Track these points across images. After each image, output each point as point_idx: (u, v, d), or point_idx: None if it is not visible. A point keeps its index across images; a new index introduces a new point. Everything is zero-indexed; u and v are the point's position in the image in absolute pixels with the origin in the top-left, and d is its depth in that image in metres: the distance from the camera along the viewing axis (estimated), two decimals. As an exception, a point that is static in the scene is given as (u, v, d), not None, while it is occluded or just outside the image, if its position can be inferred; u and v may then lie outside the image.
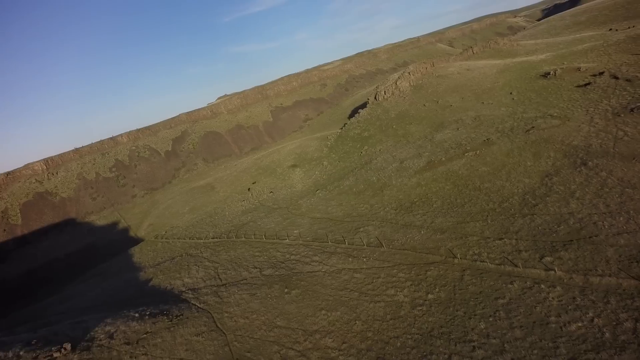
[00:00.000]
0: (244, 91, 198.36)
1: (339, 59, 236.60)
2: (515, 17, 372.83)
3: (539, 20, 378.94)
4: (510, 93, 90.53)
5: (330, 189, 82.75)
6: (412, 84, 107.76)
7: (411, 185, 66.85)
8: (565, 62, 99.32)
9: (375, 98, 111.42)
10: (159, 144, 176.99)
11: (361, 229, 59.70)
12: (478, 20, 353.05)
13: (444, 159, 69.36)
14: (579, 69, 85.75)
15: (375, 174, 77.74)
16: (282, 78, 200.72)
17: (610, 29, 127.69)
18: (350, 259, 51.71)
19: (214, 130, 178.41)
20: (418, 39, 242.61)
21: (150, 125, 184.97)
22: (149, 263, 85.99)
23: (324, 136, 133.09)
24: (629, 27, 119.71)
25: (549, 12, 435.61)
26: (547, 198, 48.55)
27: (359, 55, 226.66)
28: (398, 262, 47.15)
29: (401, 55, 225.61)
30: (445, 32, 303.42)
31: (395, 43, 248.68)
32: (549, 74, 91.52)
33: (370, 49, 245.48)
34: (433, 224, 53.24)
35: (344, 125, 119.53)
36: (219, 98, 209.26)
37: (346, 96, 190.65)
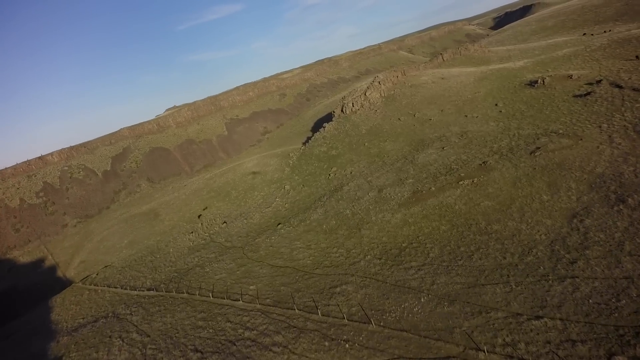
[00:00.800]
0: (195, 102, 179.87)
1: (298, 67, 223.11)
2: (470, 24, 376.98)
3: (491, 28, 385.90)
4: (496, 104, 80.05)
5: (294, 224, 67.83)
6: (383, 94, 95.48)
7: (396, 224, 53.28)
8: (550, 69, 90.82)
9: (342, 111, 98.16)
10: (96, 162, 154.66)
11: (338, 289, 45.23)
12: (436, 27, 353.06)
13: (433, 188, 56.44)
14: (570, 76, 76.50)
15: (349, 206, 63.70)
16: (237, 88, 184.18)
17: (585, 34, 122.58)
18: (326, 344, 36.98)
19: (160, 146, 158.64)
20: (379, 46, 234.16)
21: (86, 142, 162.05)
22: (67, 325, 67.61)
23: (285, 152, 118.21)
24: (605, 31, 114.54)
25: (500, 20, 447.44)
26: (587, 251, 36.19)
27: (320, 63, 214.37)
28: (396, 355, 32.93)
29: (363, 63, 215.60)
30: (404, 40, 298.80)
31: (356, 50, 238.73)
32: (535, 82, 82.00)
33: (330, 56, 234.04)
34: (435, 286, 39.61)
35: (307, 141, 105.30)
36: (167, 110, 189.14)
37: (308, 106, 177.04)
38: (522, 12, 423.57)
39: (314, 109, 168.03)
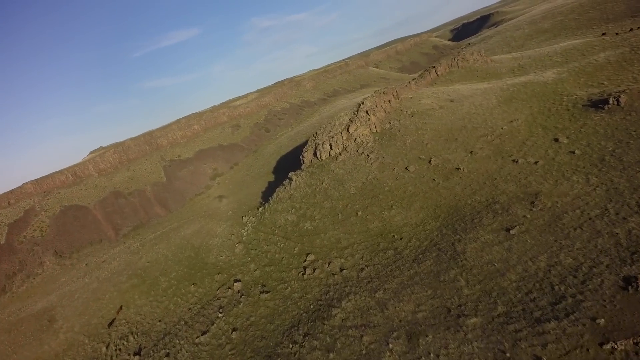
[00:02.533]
0: (124, 142, 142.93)
1: (254, 90, 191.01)
2: (435, 36, 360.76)
3: (450, 40, 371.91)
4: (556, 140, 50.94)
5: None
6: (375, 129, 64.68)
7: None
8: (606, 82, 63.53)
9: (315, 155, 66.45)
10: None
11: None
12: (402, 40, 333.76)
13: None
14: (674, 92, 48.63)
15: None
16: (178, 121, 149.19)
17: (605, 34, 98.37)
18: None
19: (76, 203, 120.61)
20: (346, 62, 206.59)
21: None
22: None
23: (239, 217, 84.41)
24: (631, 29, 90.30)
25: (458, 32, 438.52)
26: None
27: (279, 85, 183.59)
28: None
29: (329, 82, 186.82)
30: (370, 55, 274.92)
31: (320, 69, 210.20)
32: (605, 102, 53.70)
33: (291, 76, 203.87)
34: None
35: (269, 202, 72.38)
36: (91, 153, 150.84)
37: (268, 139, 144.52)
38: (480, 22, 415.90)
39: (275, 143, 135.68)
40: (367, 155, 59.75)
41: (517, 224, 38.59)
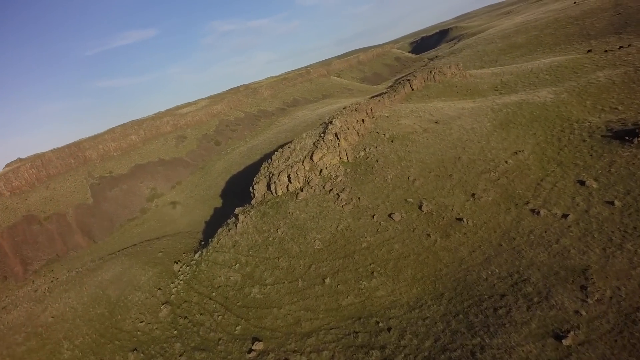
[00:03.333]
0: (44, 154, 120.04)
1: (206, 97, 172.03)
2: (397, 48, 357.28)
3: (410, 52, 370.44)
4: (582, 183, 39.10)
5: None
6: (346, 157, 50.41)
7: None
8: (620, 107, 53.41)
9: (269, 189, 51.12)
10: None
11: None
12: (364, 50, 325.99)
13: None
14: None
15: None
16: (112, 130, 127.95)
17: (590, 50, 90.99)
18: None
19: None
20: (308, 70, 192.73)
21: None
22: None
23: (171, 261, 67.13)
24: (621, 47, 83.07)
25: (417, 45, 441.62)
26: None
27: (234, 91, 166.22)
28: None
29: (289, 91, 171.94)
30: (331, 63, 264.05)
31: (280, 76, 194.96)
32: (635, 134, 42.76)
33: (247, 83, 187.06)
34: None
35: (207, 248, 56.13)
36: (7, 166, 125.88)
37: (217, 154, 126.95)
38: (439, 36, 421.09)
39: (226, 159, 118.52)
40: (337, 194, 45.23)
41: (570, 326, 25.38)
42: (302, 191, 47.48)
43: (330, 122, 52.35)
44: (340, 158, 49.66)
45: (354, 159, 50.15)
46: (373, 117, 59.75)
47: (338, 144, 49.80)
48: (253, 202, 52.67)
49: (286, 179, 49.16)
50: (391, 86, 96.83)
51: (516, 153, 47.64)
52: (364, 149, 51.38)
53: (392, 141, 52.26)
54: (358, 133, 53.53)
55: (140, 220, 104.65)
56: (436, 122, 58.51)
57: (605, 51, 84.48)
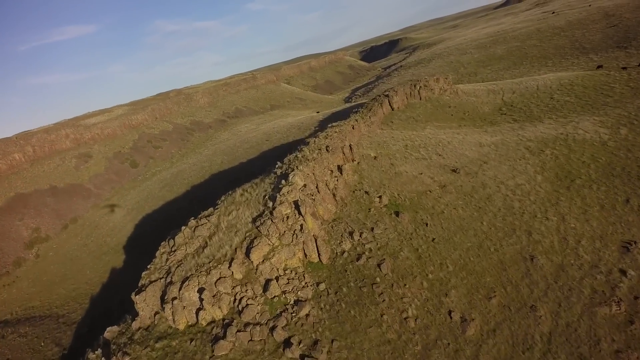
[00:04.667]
0: None
1: (127, 102, 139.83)
2: (350, 56, 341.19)
3: (362, 60, 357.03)
4: None
5: None
6: (316, 255, 26.33)
7: None
8: None
9: (163, 308, 25.49)
10: None
11: None
12: (315, 57, 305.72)
13: None
14: None
15: None
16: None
17: (600, 66, 74.98)
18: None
19: None
20: (254, 75, 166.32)
21: None
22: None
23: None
24: (648, 67, 67.72)
25: (367, 54, 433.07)
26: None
27: (162, 97, 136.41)
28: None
29: (231, 99, 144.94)
30: (281, 69, 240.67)
31: (220, 80, 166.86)
32: None
33: (181, 87, 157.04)
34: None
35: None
36: None
37: (133, 180, 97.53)
38: (389, 46, 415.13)
39: (142, 188, 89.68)
40: (303, 349, 21.14)
41: None
42: (224, 335, 22.86)
43: (286, 177, 28.26)
44: (306, 256, 25.73)
45: (331, 260, 26.36)
46: (354, 161, 36.51)
47: (301, 225, 25.85)
48: (133, 326, 26.98)
49: (196, 295, 24.29)
50: (362, 105, 74.80)
51: (627, 248, 26.50)
52: (350, 235, 27.90)
53: (396, 215, 29.35)
54: (334, 196, 30.04)
55: (9, 278, 73.15)
56: (455, 171, 36.49)
57: (624, 68, 68.44)
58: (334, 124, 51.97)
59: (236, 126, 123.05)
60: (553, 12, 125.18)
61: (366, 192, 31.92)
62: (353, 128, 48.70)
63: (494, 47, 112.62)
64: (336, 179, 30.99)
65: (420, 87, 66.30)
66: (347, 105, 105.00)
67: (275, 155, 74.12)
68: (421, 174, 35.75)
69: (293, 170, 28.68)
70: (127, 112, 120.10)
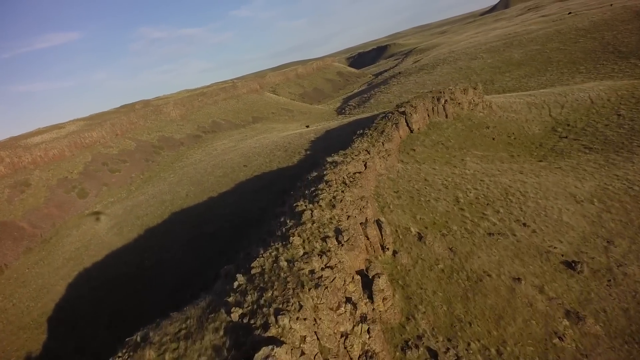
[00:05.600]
0: None
1: (81, 117, 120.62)
2: (338, 62, 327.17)
3: (350, 66, 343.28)
4: None
5: None
6: None
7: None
8: None
9: None
10: None
11: None
12: (303, 63, 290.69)
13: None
14: None
15: None
16: None
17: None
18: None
19: None
20: (234, 83, 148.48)
21: None
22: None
23: None
24: None
25: (354, 60, 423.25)
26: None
27: (126, 110, 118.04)
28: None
29: (208, 111, 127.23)
30: (265, 76, 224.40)
31: (196, 90, 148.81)
32: None
33: (151, 98, 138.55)
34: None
35: None
36: None
37: (78, 215, 78.91)
38: (377, 52, 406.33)
39: (88, 226, 71.12)
40: None
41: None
42: None
43: (257, 346, 12.18)
44: None
45: None
46: (386, 251, 19.69)
47: None
48: None
49: None
50: (366, 122, 58.40)
51: None
52: None
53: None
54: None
55: None
56: (572, 268, 19.80)
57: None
58: (335, 157, 35.11)
59: (212, 143, 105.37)
60: (570, 13, 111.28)
61: (428, 349, 15.05)
62: (366, 167, 31.95)
63: (508, 50, 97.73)
64: (362, 321, 14.10)
65: (445, 100, 50.03)
66: (343, 120, 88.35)
67: (253, 190, 56.87)
68: (519, 280, 19.01)
69: (271, 326, 11.80)
70: (79, 128, 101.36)
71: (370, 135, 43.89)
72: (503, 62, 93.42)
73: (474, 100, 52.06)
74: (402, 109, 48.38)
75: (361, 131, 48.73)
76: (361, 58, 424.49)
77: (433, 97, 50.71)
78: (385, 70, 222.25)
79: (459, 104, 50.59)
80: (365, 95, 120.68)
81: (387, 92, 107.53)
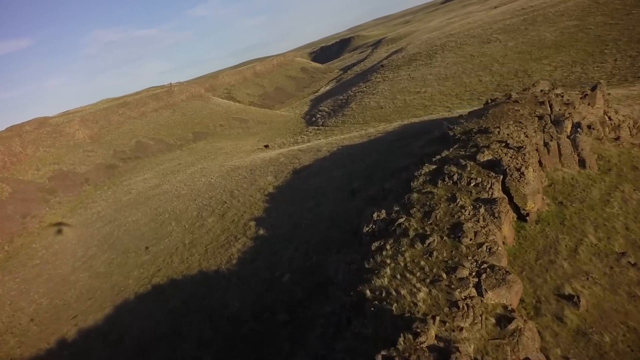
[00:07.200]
0: None
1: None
2: (301, 57, 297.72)
3: (313, 61, 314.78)
4: None
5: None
6: None
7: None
8: None
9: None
10: None
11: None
12: (261, 60, 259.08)
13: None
14: None
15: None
16: None
17: None
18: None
19: None
20: (169, 88, 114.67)
21: None
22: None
23: None
24: None
25: (317, 54, 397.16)
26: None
27: (10, 134, 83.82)
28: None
29: (130, 127, 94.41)
30: (218, 76, 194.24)
31: (117, 99, 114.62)
32: None
33: (53, 114, 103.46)
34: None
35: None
36: None
37: None
38: (341, 45, 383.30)
39: None
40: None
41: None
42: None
43: None
44: None
45: None
46: None
47: None
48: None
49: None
50: (401, 204, 28.70)
51: None
52: None
53: None
54: None
55: None
56: None
57: None
58: None
59: (130, 177, 73.47)
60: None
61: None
62: None
63: (534, 29, 71.43)
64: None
65: (565, 117, 21.45)
66: (321, 142, 58.71)
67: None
68: None
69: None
70: None
71: (405, 239, 14.77)
72: (532, 44, 66.87)
73: (610, 119, 24.01)
74: (478, 142, 19.45)
75: (382, 214, 19.42)
76: (324, 52, 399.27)
77: (531, 113, 22.10)
78: (354, 64, 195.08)
79: (592, 128, 22.27)
80: (341, 98, 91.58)
81: (373, 92, 78.91)
